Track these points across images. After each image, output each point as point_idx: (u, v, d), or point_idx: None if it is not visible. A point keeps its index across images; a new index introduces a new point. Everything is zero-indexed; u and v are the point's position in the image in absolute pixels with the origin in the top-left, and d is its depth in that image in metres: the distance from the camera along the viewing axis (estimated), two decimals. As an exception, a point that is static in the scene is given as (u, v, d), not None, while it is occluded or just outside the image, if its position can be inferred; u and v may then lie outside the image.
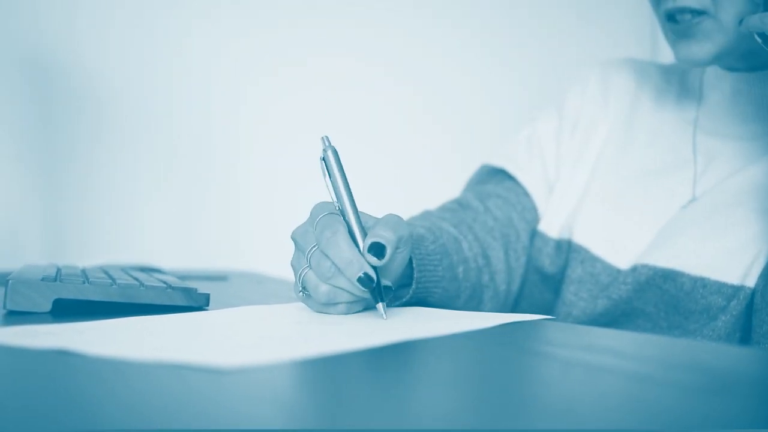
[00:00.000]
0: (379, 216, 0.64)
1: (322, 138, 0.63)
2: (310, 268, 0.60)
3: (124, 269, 0.88)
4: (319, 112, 1.60)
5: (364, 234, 0.60)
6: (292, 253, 0.65)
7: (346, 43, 1.66)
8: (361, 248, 0.58)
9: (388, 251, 0.58)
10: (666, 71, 0.93)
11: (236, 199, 1.57)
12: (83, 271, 0.77)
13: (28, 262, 0.89)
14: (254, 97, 1.58)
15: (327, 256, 0.59)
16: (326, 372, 0.39)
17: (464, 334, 0.51)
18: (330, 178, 0.62)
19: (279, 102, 1.60)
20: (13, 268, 1.05)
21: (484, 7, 1.82)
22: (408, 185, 1.69)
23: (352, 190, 0.62)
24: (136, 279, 0.70)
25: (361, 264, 0.57)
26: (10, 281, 0.60)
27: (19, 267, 0.79)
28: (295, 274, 0.63)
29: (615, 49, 1.03)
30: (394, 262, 0.61)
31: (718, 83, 0.82)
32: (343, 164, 0.63)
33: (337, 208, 0.61)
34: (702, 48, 0.75)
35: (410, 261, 0.68)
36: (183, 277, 0.89)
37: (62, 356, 0.40)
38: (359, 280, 0.57)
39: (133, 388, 0.35)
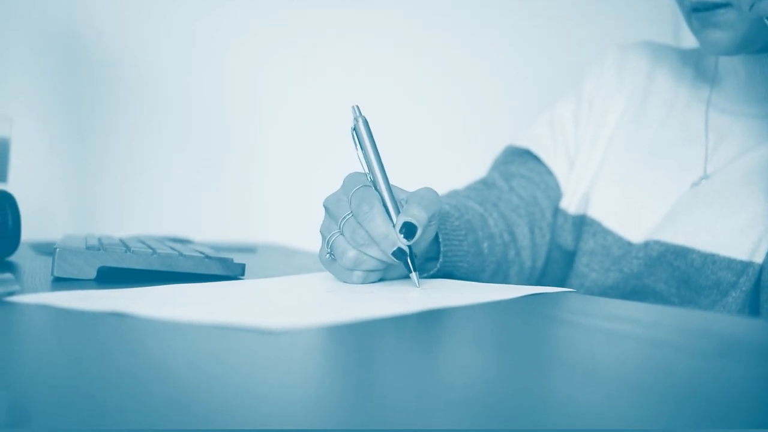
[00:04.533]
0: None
1: (353, 107, 0.64)
2: (341, 235, 0.63)
3: (160, 240, 0.91)
4: (339, 93, 1.62)
5: (396, 206, 0.62)
6: (322, 219, 0.67)
7: (368, 30, 1.68)
8: (394, 224, 0.60)
9: (418, 232, 0.60)
10: (683, 54, 0.95)
11: (256, 174, 1.60)
12: (122, 241, 0.80)
13: (61, 234, 0.93)
14: (276, 75, 1.61)
15: (363, 227, 0.61)
16: (364, 334, 0.42)
17: (490, 304, 0.54)
18: (362, 149, 0.64)
19: (300, 81, 1.62)
20: (47, 240, 1.09)
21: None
22: (426, 171, 1.71)
23: (383, 161, 0.64)
24: (174, 249, 0.73)
25: (395, 240, 0.60)
26: (58, 249, 0.63)
27: (61, 237, 0.82)
28: (323, 239, 0.65)
29: (636, 36, 1.05)
30: (423, 235, 0.63)
31: (733, 66, 0.84)
32: (373, 134, 0.64)
33: (369, 180, 0.63)
34: (726, 36, 0.76)
35: (436, 236, 0.71)
36: (214, 248, 0.92)
37: (118, 318, 0.44)
38: (394, 253, 0.60)
39: (186, 346, 0.38)
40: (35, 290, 0.56)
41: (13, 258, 0.82)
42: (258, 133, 1.60)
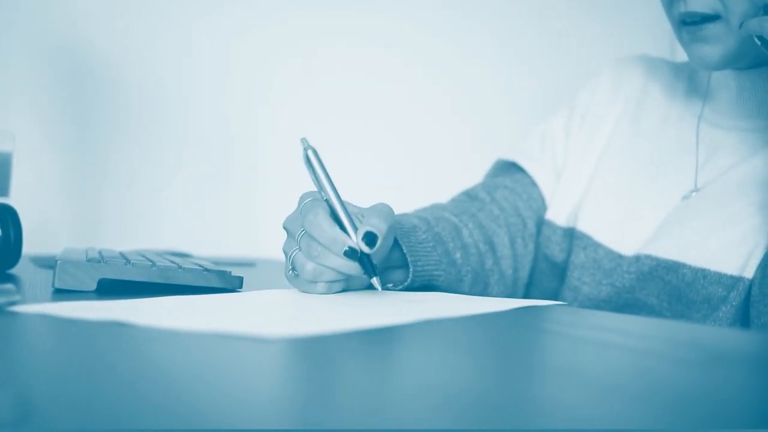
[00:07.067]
0: (366, 206, 0.70)
1: (302, 140, 0.68)
2: (300, 250, 0.66)
3: (160, 254, 0.92)
4: (340, 101, 1.64)
5: (349, 217, 0.65)
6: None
7: (370, 35, 1.70)
8: (355, 237, 0.64)
9: (379, 240, 0.63)
10: (677, 68, 0.96)
11: (255, 189, 1.61)
12: (122, 254, 0.82)
13: (62, 248, 0.94)
14: (275, 86, 1.62)
15: (313, 237, 0.64)
16: (358, 344, 0.43)
17: (480, 316, 0.55)
18: (314, 176, 0.67)
19: (300, 91, 1.63)
20: (48, 253, 1.10)
21: (507, 6, 1.85)
22: (426, 176, 1.72)
23: (335, 184, 0.67)
24: (173, 262, 0.74)
25: (344, 240, 0.63)
26: (59, 261, 0.64)
27: (62, 250, 0.83)
28: (286, 257, 0.69)
29: (634, 48, 1.07)
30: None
31: (726, 81, 0.85)
32: (323, 161, 0.68)
33: (323, 198, 0.67)
34: (714, 50, 0.78)
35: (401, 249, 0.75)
36: (213, 262, 0.93)
37: (118, 327, 0.45)
38: (345, 253, 0.63)
39: (185, 353, 0.39)
40: (36, 301, 0.57)
41: (14, 271, 0.83)
42: (258, 148, 1.61)
